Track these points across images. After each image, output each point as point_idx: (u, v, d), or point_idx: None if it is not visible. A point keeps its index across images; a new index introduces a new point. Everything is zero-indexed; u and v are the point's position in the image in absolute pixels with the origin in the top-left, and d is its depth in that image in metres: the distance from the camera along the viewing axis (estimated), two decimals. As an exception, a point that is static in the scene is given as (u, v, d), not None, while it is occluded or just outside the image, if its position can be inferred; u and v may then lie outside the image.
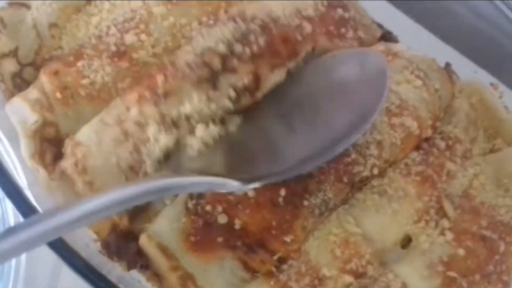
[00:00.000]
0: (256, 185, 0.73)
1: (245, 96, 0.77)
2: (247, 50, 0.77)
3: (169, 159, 0.76)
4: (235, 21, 0.80)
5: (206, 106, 0.75)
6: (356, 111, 0.78)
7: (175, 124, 0.75)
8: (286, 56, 0.79)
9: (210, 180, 0.72)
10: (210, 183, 0.73)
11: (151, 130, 0.75)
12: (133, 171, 0.76)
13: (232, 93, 0.76)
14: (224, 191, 0.75)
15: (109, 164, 0.76)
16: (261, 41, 0.78)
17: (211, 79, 0.76)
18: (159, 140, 0.74)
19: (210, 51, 0.77)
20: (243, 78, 0.76)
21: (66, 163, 0.77)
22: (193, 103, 0.75)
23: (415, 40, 0.94)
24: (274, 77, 0.78)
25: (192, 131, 0.75)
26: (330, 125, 0.78)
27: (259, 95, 0.78)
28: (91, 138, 0.77)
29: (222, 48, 0.77)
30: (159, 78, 0.77)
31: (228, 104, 0.76)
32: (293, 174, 0.75)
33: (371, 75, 0.80)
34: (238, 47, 0.77)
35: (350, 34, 0.88)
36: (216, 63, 0.76)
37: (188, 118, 0.75)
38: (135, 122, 0.76)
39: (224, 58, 0.76)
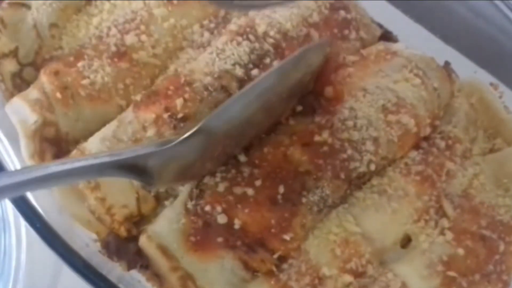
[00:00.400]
0: None
1: None
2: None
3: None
4: (248, 39, 0.82)
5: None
6: None
7: None
8: None
9: None
10: None
11: None
12: (145, 188, 0.79)
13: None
14: None
15: (122, 181, 0.77)
16: (275, 63, 0.80)
17: None
18: None
19: (227, 74, 0.80)
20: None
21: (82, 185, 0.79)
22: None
23: (415, 40, 0.94)
24: None
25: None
26: None
27: None
28: None
29: (239, 71, 0.80)
30: (179, 102, 0.78)
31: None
32: None
33: None
34: (255, 72, 0.80)
35: (353, 35, 0.90)
36: (234, 88, 0.79)
37: None
38: None
39: (241, 82, 0.79)
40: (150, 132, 0.78)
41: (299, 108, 0.82)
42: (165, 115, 0.78)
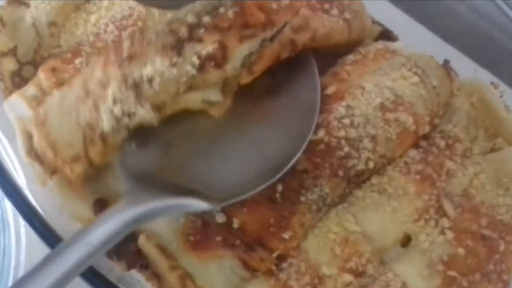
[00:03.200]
0: (223, 204, 0.74)
1: (211, 66, 0.75)
2: (215, 22, 0.76)
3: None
4: None
5: (168, 70, 0.74)
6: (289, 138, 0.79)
7: (136, 85, 0.74)
8: (260, 26, 0.77)
9: (177, 202, 0.72)
10: (177, 205, 0.72)
11: (111, 87, 0.75)
12: (90, 129, 0.76)
13: (196, 61, 0.74)
14: (189, 211, 0.76)
15: (68, 120, 0.76)
16: (231, 13, 0.77)
17: (176, 46, 0.75)
18: (117, 97, 0.75)
19: (178, 20, 0.77)
20: (208, 46, 0.75)
21: (28, 120, 0.78)
22: (155, 66, 0.74)
23: (416, 39, 0.94)
24: (243, 49, 0.76)
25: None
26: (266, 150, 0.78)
27: (227, 67, 0.76)
28: (56, 98, 0.78)
29: (190, 18, 0.76)
30: (126, 43, 0.76)
31: (191, 71, 0.74)
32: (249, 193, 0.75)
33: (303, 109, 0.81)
34: (206, 19, 0.76)
35: (335, 12, 0.85)
36: (183, 32, 0.75)
37: (150, 80, 0.74)
38: (98, 82, 0.76)
39: (191, 28, 0.76)
40: (97, 73, 0.77)
41: None
42: (113, 57, 0.77)
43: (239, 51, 0.76)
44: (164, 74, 0.74)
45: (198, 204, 0.72)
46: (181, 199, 0.72)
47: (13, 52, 0.86)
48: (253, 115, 0.80)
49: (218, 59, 0.75)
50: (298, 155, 0.76)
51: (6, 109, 0.81)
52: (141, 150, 0.77)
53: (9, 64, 0.85)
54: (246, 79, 0.78)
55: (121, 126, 0.75)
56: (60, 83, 0.81)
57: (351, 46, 0.89)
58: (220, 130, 0.79)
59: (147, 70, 0.74)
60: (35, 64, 0.86)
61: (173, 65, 0.74)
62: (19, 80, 0.86)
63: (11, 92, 0.85)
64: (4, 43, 0.85)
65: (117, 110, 0.74)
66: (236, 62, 0.76)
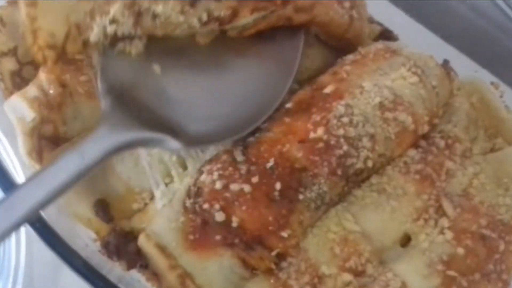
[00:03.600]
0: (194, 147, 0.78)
1: (214, 25, 0.78)
2: None
3: (114, 46, 0.77)
4: None
5: (175, 15, 0.76)
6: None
7: (139, 14, 0.76)
8: (274, 2, 0.80)
9: (153, 136, 0.74)
10: (153, 139, 0.74)
11: (115, 8, 0.75)
12: (77, 30, 0.78)
13: (204, 17, 0.77)
14: (161, 148, 0.78)
15: (60, 12, 0.78)
16: None
17: None
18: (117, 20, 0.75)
19: None
20: (222, 10, 0.77)
21: None
22: (166, 7, 0.76)
23: (416, 39, 0.94)
24: (250, 18, 0.79)
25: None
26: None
27: (227, 27, 0.79)
28: None
29: None
30: None
31: (195, 24, 0.77)
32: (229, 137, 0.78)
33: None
34: None
35: (347, 4, 0.86)
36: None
37: (155, 16, 0.76)
38: None
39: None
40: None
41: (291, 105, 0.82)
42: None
43: (245, 20, 0.79)
44: (170, 17, 0.76)
45: (172, 143, 0.74)
46: (158, 134, 0.74)
47: (13, 52, 0.85)
48: (235, 50, 0.83)
49: (224, 22, 0.78)
50: (269, 113, 0.80)
51: (7, 110, 0.81)
52: (122, 57, 0.78)
53: (9, 64, 0.85)
54: (234, 35, 0.81)
55: (106, 40, 0.77)
56: (61, 84, 0.81)
57: (340, 43, 0.90)
58: (201, 59, 0.81)
59: (158, 8, 0.76)
60: (35, 64, 0.85)
61: (183, 12, 0.76)
62: (19, 80, 0.85)
63: (11, 92, 0.84)
64: (4, 43, 0.85)
65: (110, 29, 0.75)
66: (237, 25, 0.80)
